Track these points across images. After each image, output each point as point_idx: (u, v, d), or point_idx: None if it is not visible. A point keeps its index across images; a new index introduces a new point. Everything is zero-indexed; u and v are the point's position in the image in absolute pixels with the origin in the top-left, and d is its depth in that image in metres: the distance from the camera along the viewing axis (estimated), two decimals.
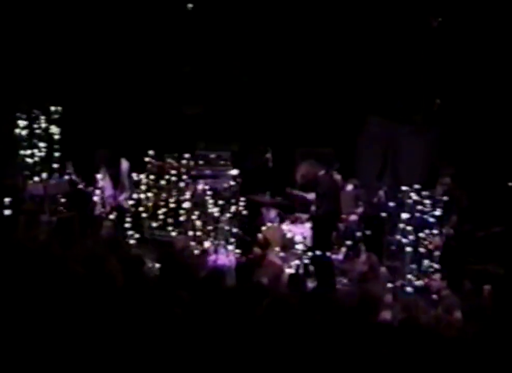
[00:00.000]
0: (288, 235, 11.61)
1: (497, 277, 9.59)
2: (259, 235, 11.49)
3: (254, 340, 5.05)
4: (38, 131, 11.64)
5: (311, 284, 9.76)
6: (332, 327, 5.51)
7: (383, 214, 11.32)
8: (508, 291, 9.05)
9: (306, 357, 4.94)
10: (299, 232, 11.57)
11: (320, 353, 5.02)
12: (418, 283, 10.32)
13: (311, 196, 11.03)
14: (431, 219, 10.72)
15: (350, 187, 12.60)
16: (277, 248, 11.15)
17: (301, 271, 10.93)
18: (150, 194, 11.78)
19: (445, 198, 11.00)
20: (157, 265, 7.50)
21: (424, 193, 10.86)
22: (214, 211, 11.46)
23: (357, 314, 6.12)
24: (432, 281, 10.20)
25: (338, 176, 12.51)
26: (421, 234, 10.61)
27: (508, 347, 5.38)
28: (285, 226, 11.97)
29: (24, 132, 11.54)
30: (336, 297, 7.57)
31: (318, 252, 10.25)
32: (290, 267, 10.95)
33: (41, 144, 11.61)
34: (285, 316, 5.22)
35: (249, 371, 4.86)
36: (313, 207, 10.81)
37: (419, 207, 10.67)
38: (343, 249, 11.80)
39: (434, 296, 9.50)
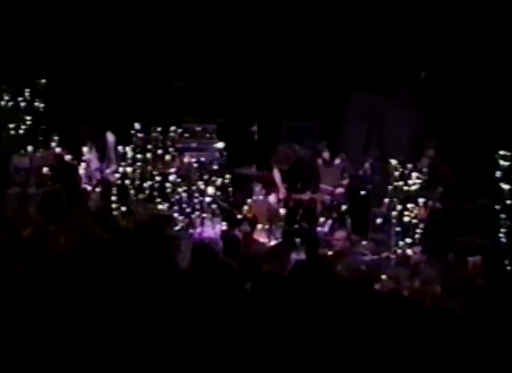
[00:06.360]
0: (274, 208, 11.64)
1: (483, 249, 9.65)
2: (247, 210, 11.48)
3: (246, 314, 5.08)
4: (22, 103, 11.56)
5: (295, 256, 9.79)
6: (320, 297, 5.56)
7: (369, 187, 11.39)
8: (494, 264, 9.14)
9: (296, 329, 4.99)
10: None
11: (310, 325, 5.07)
12: (400, 254, 10.39)
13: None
14: (417, 192, 10.79)
15: (337, 161, 12.63)
16: (263, 221, 11.18)
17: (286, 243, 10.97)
18: (135, 167, 11.73)
19: (430, 170, 11.07)
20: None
21: (409, 165, 10.91)
22: (200, 183, 11.45)
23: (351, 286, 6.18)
24: (412, 253, 10.26)
25: (326, 154, 12.56)
26: (406, 207, 10.68)
27: (498, 319, 5.45)
28: (271, 199, 11.98)
29: (8, 105, 11.47)
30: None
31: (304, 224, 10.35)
32: (276, 239, 11.00)
33: (26, 117, 11.53)
34: (274, 288, 5.26)
35: (240, 347, 4.89)
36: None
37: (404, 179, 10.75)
38: (329, 221, 11.84)
39: (412, 268, 9.55)
